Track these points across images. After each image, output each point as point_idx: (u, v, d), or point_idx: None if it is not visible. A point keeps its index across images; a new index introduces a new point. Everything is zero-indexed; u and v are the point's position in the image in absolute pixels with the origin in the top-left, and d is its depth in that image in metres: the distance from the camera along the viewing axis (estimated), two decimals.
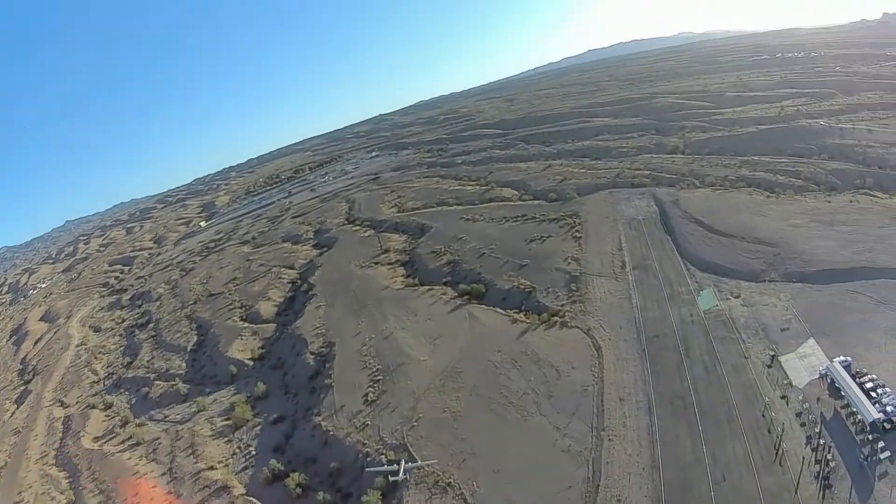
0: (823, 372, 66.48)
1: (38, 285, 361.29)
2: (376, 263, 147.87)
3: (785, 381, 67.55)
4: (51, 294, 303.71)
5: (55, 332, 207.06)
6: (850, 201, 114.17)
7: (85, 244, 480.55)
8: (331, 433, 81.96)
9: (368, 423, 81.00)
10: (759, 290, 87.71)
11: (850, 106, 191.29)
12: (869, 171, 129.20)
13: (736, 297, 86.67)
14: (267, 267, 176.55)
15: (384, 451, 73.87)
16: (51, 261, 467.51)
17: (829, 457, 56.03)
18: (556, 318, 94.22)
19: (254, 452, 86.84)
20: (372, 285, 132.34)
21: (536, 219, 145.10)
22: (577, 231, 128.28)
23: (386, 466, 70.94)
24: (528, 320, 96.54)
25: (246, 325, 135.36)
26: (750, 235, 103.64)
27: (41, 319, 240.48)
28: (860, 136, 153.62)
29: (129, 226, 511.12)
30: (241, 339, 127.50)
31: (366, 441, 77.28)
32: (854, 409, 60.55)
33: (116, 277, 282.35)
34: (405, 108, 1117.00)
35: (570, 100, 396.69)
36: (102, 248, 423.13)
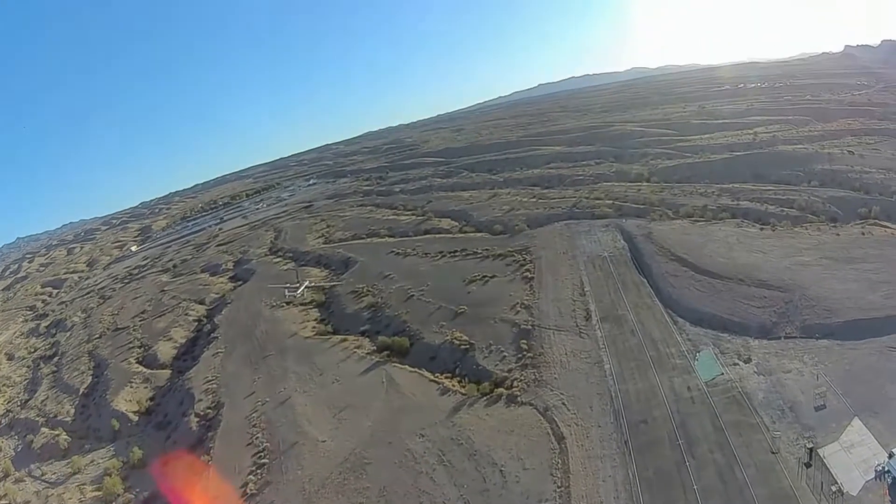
0: (881, 469, 49.40)
1: None
2: (288, 303, 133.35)
3: (833, 488, 48.73)
4: None
5: None
6: (862, 233, 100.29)
7: (29, 263, 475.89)
8: None
9: None
10: (774, 350, 69.43)
11: (830, 132, 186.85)
12: (872, 199, 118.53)
13: (746, 362, 67.84)
14: (177, 300, 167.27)
15: None
16: None
17: None
18: (500, 389, 74.22)
19: None
20: (279, 330, 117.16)
21: (478, 254, 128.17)
22: (527, 270, 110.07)
23: None
24: (463, 390, 76.77)
25: (140, 369, 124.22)
26: (750, 277, 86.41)
27: None
28: (851, 161, 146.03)
29: (71, 246, 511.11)
30: (131, 387, 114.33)
31: None
32: None
33: (44, 301, 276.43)
34: (352, 137, 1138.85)
35: (520, 129, 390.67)
36: (42, 268, 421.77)
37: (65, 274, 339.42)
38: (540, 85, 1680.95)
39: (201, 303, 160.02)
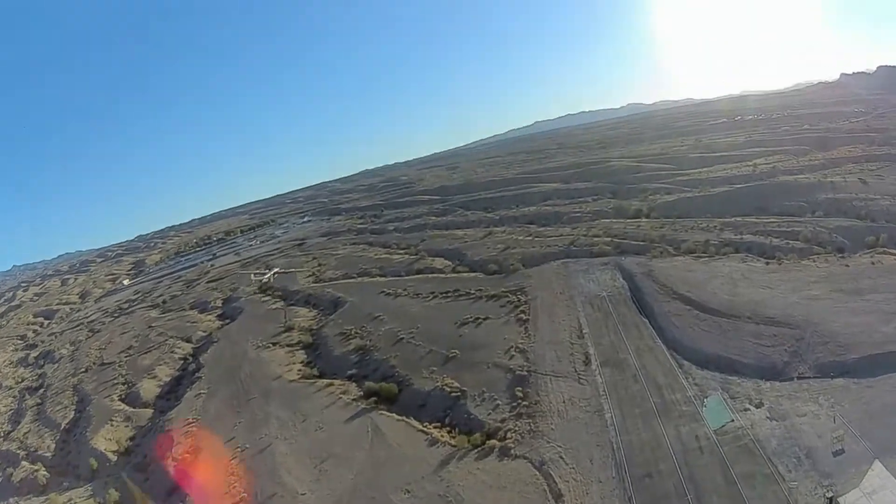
0: None
1: None
2: (275, 344, 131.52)
3: None
4: None
5: None
6: (872, 263, 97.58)
7: (24, 291, 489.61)
8: None
9: None
10: (787, 392, 65.74)
11: (831, 160, 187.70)
12: (879, 227, 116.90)
13: (758, 407, 64.05)
14: (164, 337, 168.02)
15: None
16: None
17: None
18: (493, 440, 70.23)
19: None
20: (263, 373, 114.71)
21: (471, 295, 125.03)
22: (522, 312, 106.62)
23: None
24: (453, 441, 72.73)
25: (122, 406, 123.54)
26: (758, 314, 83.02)
27: None
28: (855, 188, 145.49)
29: (66, 277, 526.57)
30: (112, 426, 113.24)
31: None
32: None
33: (35, 331, 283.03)
34: (348, 175, 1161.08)
35: (516, 167, 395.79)
36: (36, 298, 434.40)
37: (57, 305, 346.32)
38: (536, 122, 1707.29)
39: (188, 340, 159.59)
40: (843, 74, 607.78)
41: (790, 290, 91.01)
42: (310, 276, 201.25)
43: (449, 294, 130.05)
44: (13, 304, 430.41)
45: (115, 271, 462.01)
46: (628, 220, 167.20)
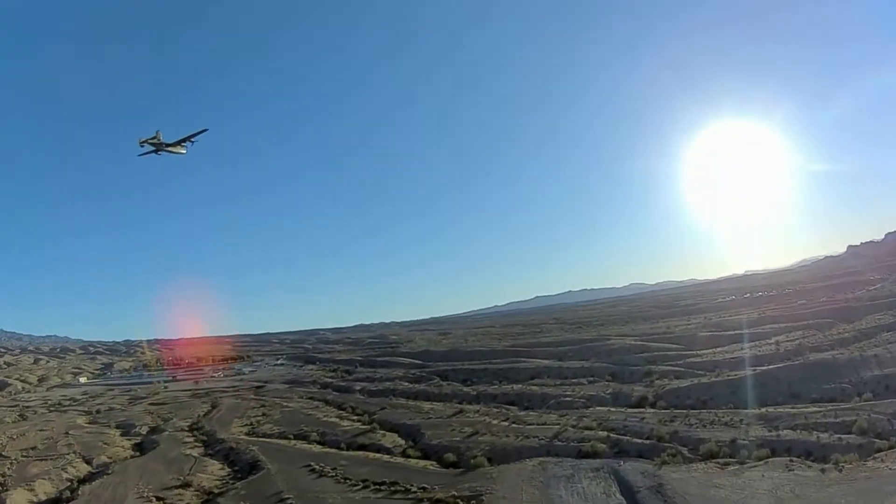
0: None
1: None
2: (160, 500, 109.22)
3: None
4: None
5: None
6: None
7: None
8: None
9: None
10: None
11: (862, 332, 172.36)
12: None
13: None
14: (70, 450, 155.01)
15: None
16: None
17: None
18: None
19: None
20: None
21: (410, 494, 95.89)
22: None
23: None
24: None
25: None
26: None
27: None
28: None
29: (41, 357, 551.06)
30: None
31: None
32: None
33: None
34: (342, 327, 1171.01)
35: (509, 339, 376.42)
36: (4, 367, 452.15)
37: (14, 380, 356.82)
38: (537, 297, 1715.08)
39: (88, 462, 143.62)
40: (850, 247, 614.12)
41: None
42: (247, 425, 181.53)
43: (383, 487, 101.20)
44: None
45: (84, 367, 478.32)
46: (630, 410, 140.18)
